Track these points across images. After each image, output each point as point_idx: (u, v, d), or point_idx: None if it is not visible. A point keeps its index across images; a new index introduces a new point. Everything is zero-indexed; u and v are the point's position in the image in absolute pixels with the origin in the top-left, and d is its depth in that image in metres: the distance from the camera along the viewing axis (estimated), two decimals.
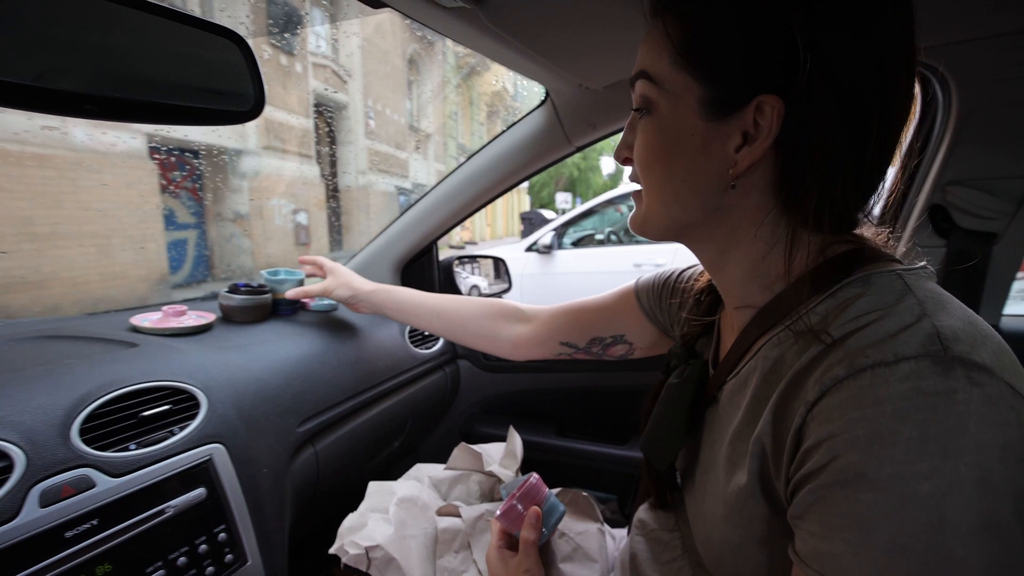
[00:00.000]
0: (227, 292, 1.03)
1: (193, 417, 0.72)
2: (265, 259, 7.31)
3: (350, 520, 0.80)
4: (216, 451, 0.71)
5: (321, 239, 8.56)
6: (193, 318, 0.96)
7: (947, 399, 0.32)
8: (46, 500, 0.54)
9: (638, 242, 4.69)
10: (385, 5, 0.70)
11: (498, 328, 0.92)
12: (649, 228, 0.52)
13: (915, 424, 0.32)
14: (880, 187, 0.45)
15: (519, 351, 0.91)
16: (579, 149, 1.16)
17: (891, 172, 0.46)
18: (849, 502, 0.34)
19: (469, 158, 1.26)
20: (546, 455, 1.31)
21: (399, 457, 1.30)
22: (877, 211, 0.47)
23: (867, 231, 0.47)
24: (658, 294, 0.75)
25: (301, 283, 1.11)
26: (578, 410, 1.39)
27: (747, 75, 0.42)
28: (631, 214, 0.55)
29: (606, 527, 0.87)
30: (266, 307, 1.07)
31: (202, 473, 0.69)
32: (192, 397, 0.74)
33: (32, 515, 0.52)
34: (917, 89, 0.43)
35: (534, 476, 0.75)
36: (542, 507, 0.70)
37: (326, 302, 1.26)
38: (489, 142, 1.22)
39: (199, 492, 0.67)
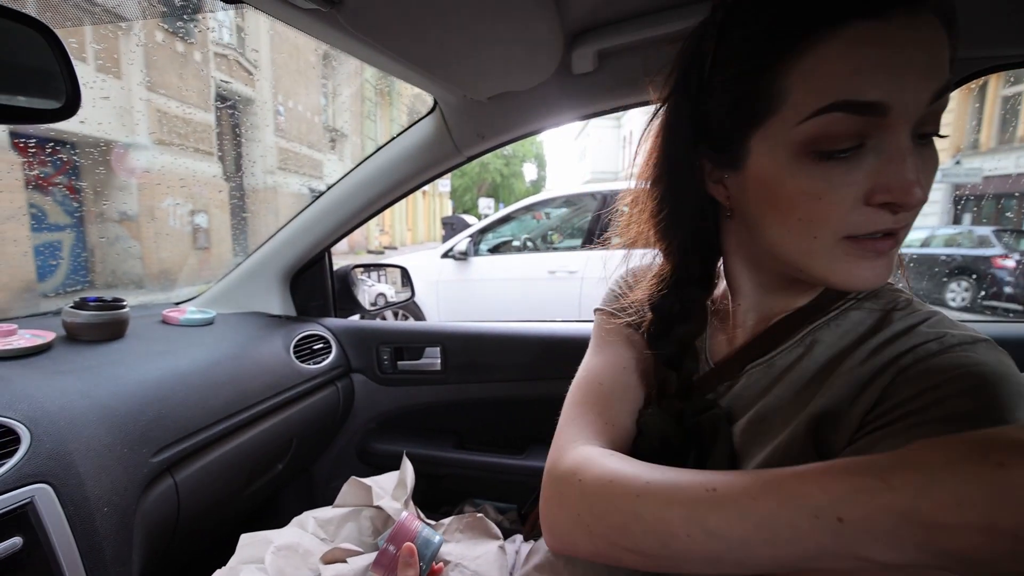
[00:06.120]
0: (72, 307, 0.92)
1: (10, 455, 0.63)
2: (158, 264, 6.68)
3: None
4: (39, 492, 0.62)
5: (223, 243, 7.96)
6: (25, 338, 0.84)
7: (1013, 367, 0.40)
8: None
9: (554, 249, 4.77)
10: (241, 1, 0.66)
11: None
12: None
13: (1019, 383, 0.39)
14: None
15: None
16: (471, 158, 1.15)
17: None
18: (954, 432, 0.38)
19: (358, 164, 1.21)
20: (445, 469, 1.28)
21: (287, 481, 1.22)
22: None
23: None
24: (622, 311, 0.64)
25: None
26: (476, 422, 1.37)
27: None
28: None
29: (504, 542, 0.86)
30: (121, 324, 0.96)
31: (20, 520, 0.60)
32: (11, 432, 0.65)
33: None
34: None
35: (403, 514, 0.73)
36: (415, 542, 0.69)
37: (199, 315, 1.16)
38: (379, 148, 1.18)
39: (13, 542, 0.58)
